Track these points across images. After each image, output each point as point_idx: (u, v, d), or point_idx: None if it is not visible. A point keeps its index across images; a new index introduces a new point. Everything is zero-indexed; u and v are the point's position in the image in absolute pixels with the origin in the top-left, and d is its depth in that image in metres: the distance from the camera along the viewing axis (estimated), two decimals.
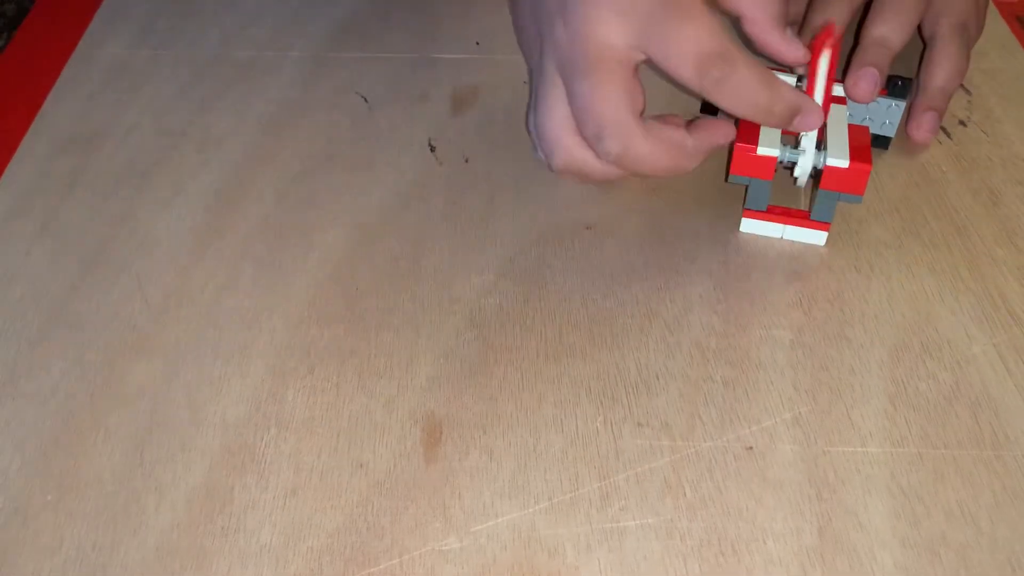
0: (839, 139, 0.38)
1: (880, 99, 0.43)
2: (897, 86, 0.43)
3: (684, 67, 0.35)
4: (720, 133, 0.38)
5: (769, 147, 0.38)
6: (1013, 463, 0.32)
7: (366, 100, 0.48)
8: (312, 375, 0.35)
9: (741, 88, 0.35)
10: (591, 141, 0.36)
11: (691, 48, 0.34)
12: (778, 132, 0.39)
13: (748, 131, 0.39)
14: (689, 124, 0.38)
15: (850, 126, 0.39)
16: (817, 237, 0.40)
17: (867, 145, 0.38)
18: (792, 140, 0.39)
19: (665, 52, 0.35)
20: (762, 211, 0.40)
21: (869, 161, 0.37)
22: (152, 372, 0.36)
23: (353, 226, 0.41)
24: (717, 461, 0.33)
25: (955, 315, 0.37)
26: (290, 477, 0.32)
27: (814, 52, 0.38)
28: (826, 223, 0.39)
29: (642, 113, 0.37)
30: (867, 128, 0.39)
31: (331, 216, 0.42)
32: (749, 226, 0.40)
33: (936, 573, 0.30)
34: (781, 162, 0.39)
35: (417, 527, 0.31)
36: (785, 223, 0.40)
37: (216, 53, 0.51)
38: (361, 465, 0.33)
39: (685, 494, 0.32)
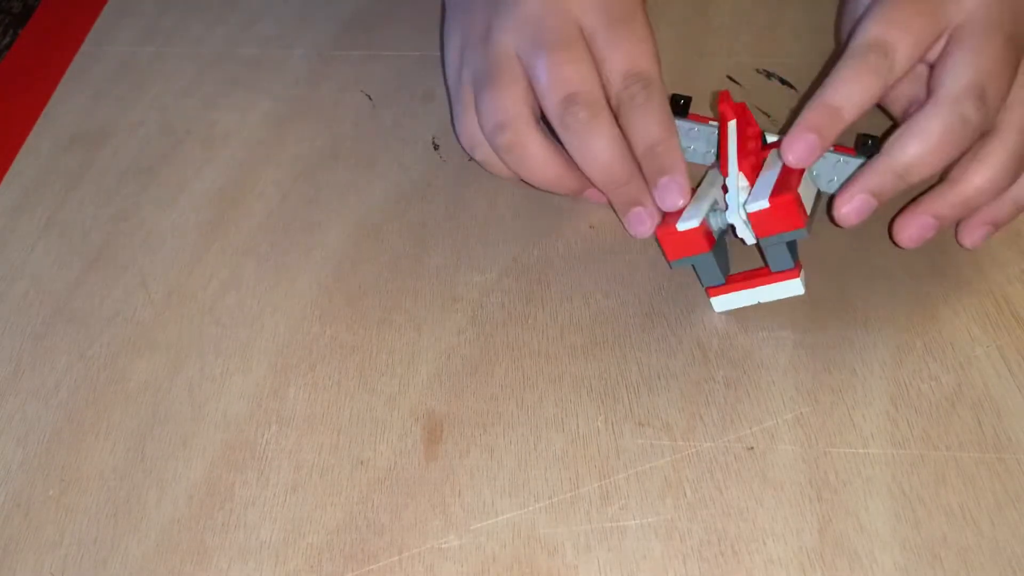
0: (762, 184, 0.35)
1: (830, 154, 0.38)
2: (866, 145, 0.37)
3: (548, 100, 0.37)
4: (593, 193, 0.41)
5: (689, 220, 0.35)
6: (1015, 465, 0.32)
7: (370, 98, 0.48)
8: (313, 372, 0.35)
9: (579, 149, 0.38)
10: (489, 136, 0.39)
11: (556, 87, 0.37)
12: (703, 203, 0.36)
13: (670, 213, 0.37)
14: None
15: (786, 168, 0.35)
16: (793, 287, 0.36)
17: (795, 178, 0.35)
18: (723, 203, 0.37)
19: (536, 76, 0.38)
20: (722, 284, 0.36)
21: (792, 189, 0.34)
22: (154, 368, 0.36)
23: (356, 224, 0.41)
24: (718, 461, 0.32)
25: (958, 316, 0.37)
26: (290, 474, 0.32)
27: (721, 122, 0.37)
28: (792, 270, 0.36)
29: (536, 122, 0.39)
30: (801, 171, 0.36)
31: (334, 214, 0.42)
32: (721, 304, 0.37)
33: (936, 575, 0.30)
34: (721, 230, 0.37)
35: (417, 524, 0.31)
36: (752, 287, 0.36)
37: (221, 51, 0.51)
38: (362, 462, 0.33)
39: (685, 494, 0.32)
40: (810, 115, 0.35)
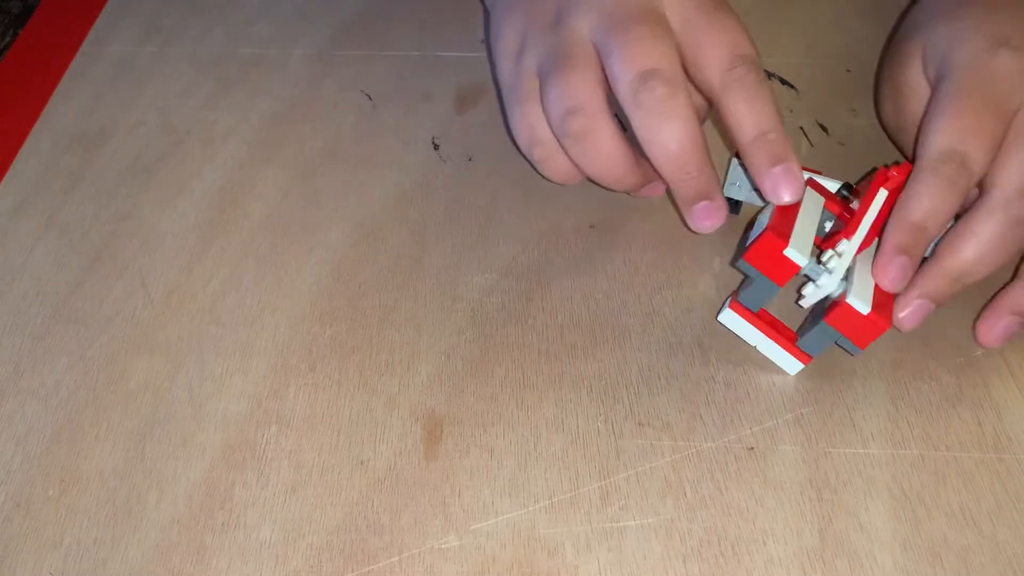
0: (865, 281, 0.33)
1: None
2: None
3: (623, 76, 0.34)
4: (657, 184, 0.39)
5: (800, 255, 0.33)
6: (1015, 465, 0.32)
7: (370, 98, 0.48)
8: (313, 372, 0.35)
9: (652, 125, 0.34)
10: (558, 122, 0.35)
11: (633, 61, 0.34)
12: (812, 236, 0.34)
13: (783, 220, 0.33)
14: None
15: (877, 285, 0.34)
16: (791, 365, 0.35)
17: (891, 303, 0.34)
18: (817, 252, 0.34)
19: (610, 54, 0.35)
20: (752, 312, 0.35)
21: (889, 321, 0.33)
22: (154, 368, 0.36)
23: (356, 224, 0.41)
24: (718, 461, 0.32)
25: (958, 317, 0.37)
26: (290, 474, 0.32)
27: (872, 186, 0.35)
28: (809, 356, 0.35)
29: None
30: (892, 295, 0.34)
31: (334, 214, 0.42)
32: (729, 319, 0.35)
33: (936, 575, 0.30)
34: (807, 278, 0.34)
35: (417, 525, 0.31)
36: (768, 335, 0.35)
37: (221, 50, 0.51)
38: (361, 463, 0.33)
39: (685, 494, 0.32)
40: (896, 236, 0.33)
